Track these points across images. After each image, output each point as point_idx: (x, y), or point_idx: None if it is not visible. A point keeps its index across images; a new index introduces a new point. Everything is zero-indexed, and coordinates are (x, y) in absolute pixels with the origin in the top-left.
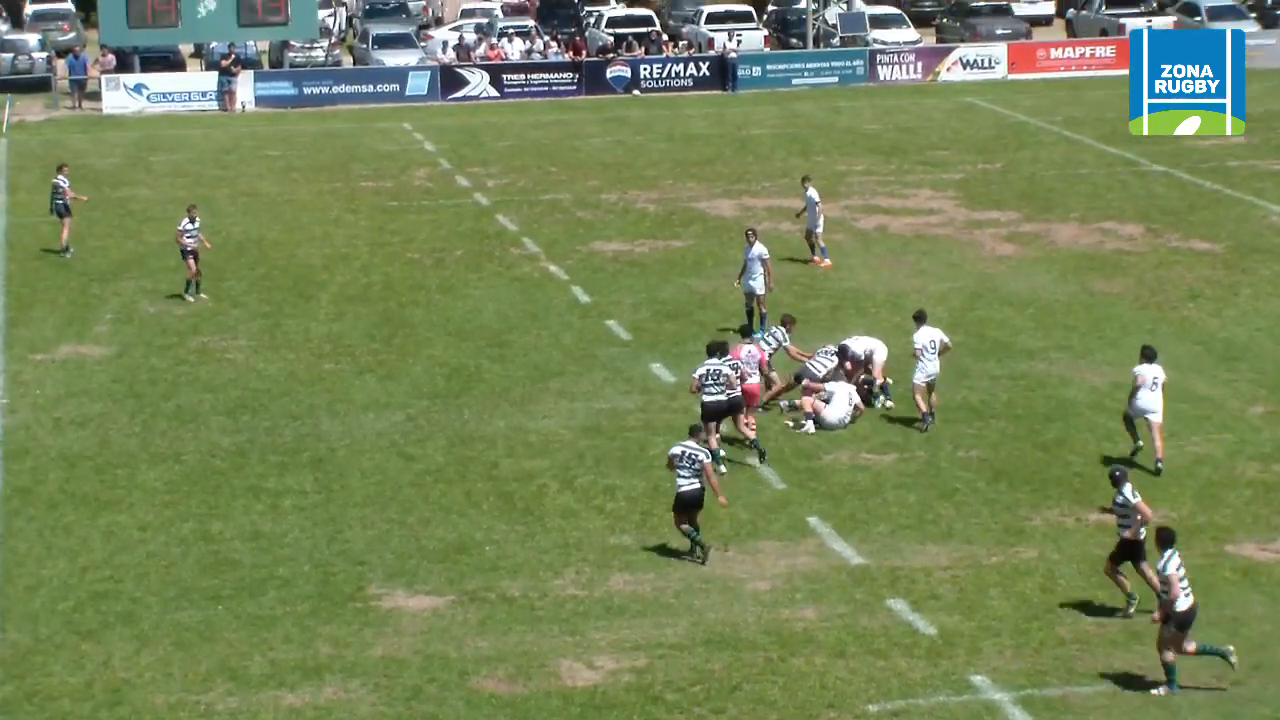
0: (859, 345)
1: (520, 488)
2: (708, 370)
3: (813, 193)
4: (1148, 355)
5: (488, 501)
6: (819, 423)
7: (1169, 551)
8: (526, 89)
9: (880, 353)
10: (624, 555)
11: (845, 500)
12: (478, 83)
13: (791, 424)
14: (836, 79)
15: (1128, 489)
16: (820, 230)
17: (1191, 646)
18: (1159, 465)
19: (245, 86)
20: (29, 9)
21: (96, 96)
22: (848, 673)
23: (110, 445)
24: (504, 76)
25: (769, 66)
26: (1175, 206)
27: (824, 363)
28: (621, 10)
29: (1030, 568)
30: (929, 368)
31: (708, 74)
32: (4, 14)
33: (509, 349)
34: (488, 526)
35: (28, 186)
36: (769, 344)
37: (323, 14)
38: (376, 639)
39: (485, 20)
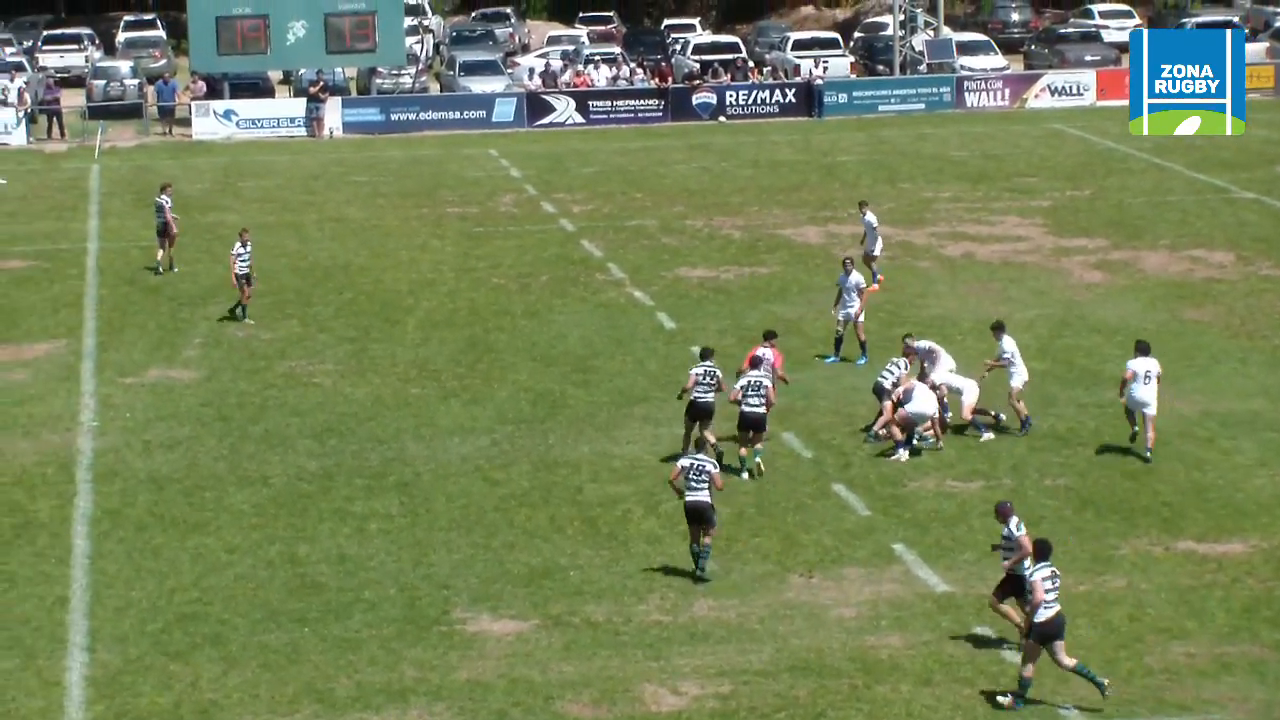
0: (943, 375)
1: (604, 513)
2: (750, 382)
3: (871, 217)
4: (1141, 349)
5: (572, 526)
6: (909, 418)
7: (1042, 563)
8: (612, 115)
9: (970, 394)
10: (708, 581)
11: (931, 527)
12: (564, 109)
13: (884, 454)
14: (923, 105)
15: (1013, 522)
16: (877, 254)
17: (1070, 662)
18: (1148, 456)
19: (333, 113)
20: (121, 36)
21: (186, 122)
22: (934, 701)
23: (198, 468)
24: (590, 103)
25: (855, 93)
26: (1267, 234)
27: (891, 371)
28: (708, 37)
29: (1118, 597)
30: (1024, 373)
31: (794, 100)
32: (97, 41)
33: (594, 374)
34: (572, 551)
35: (118, 212)
36: (889, 374)
37: (410, 41)
38: (461, 662)
39: (571, 47)
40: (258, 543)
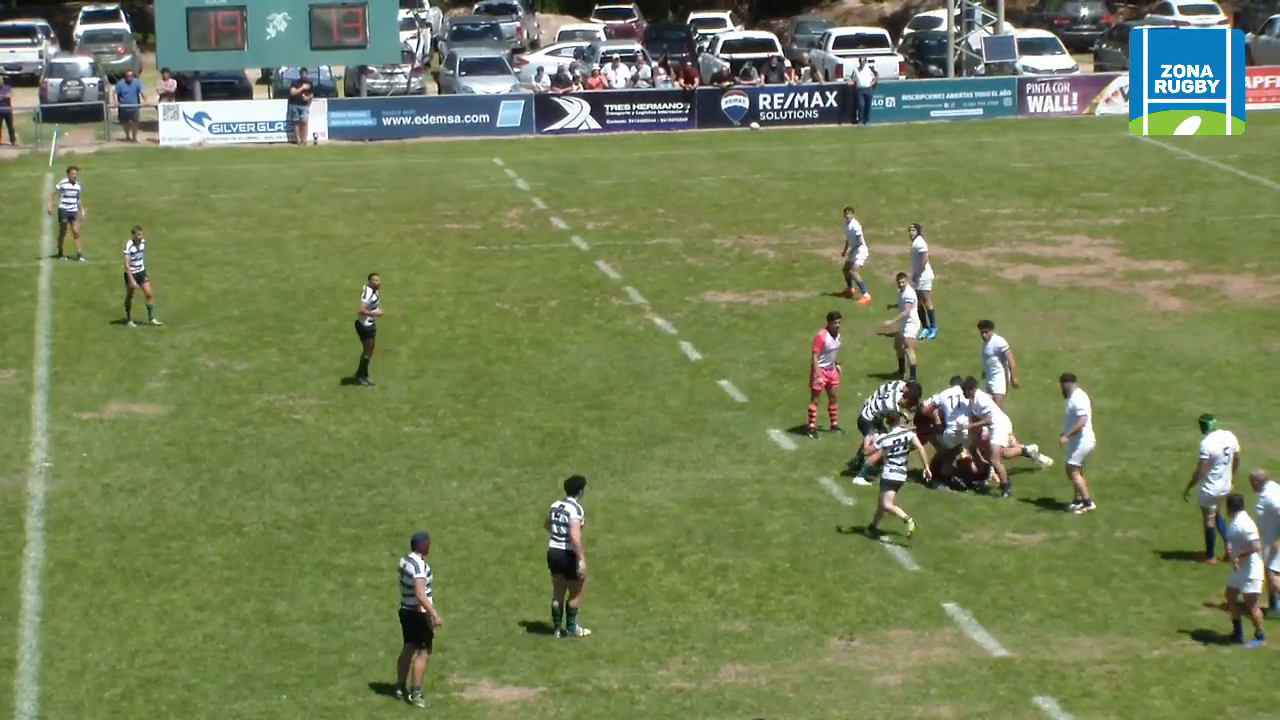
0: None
1: (621, 567)
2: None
3: (855, 225)
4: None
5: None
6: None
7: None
8: (632, 121)
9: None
10: (737, 643)
11: (987, 585)
12: (577, 113)
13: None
14: (981, 111)
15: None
16: (860, 264)
17: (573, 604)
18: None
19: (318, 116)
20: (79, 29)
21: (153, 126)
22: None
23: (164, 515)
24: (606, 107)
25: (905, 96)
26: None
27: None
28: (739, 33)
29: (1197, 663)
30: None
31: (835, 105)
32: (52, 35)
33: (609, 411)
34: (584, 610)
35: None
36: (872, 406)
37: (405, 36)
38: None
39: (586, 44)
40: (230, 599)
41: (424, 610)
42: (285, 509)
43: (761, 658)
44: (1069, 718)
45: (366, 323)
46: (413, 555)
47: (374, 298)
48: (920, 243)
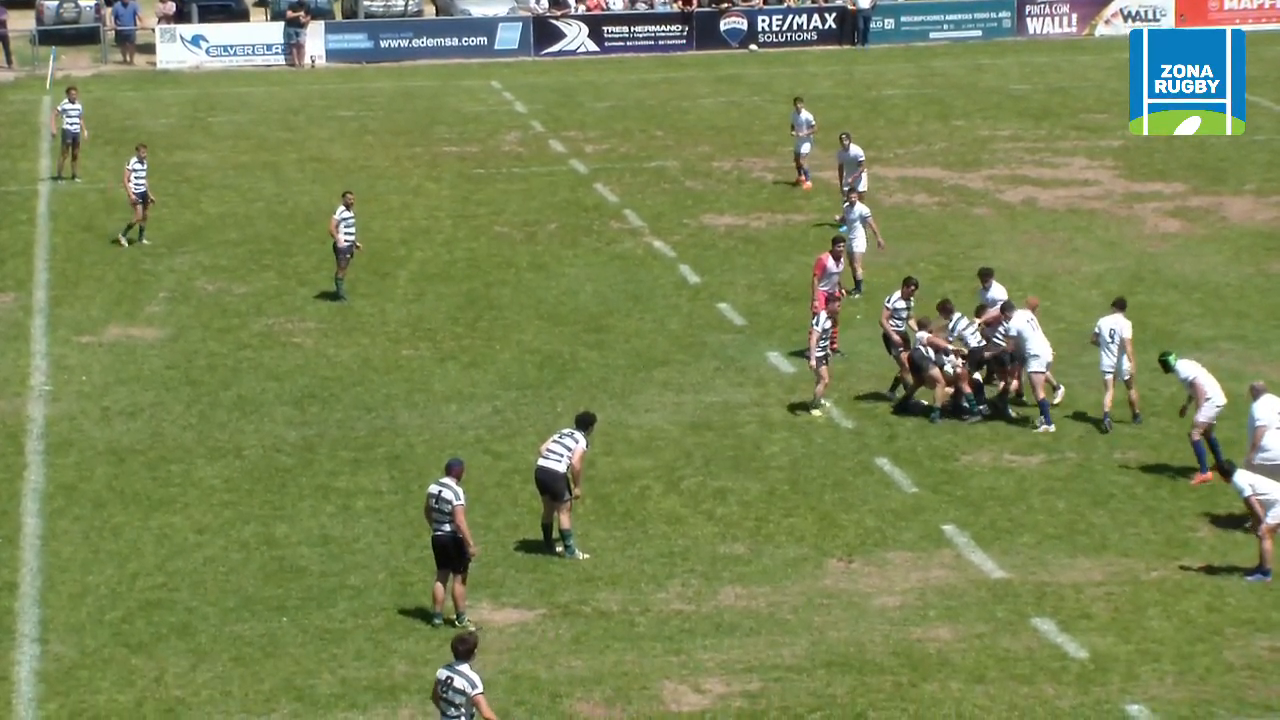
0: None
1: (620, 490)
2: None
3: (806, 115)
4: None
5: (583, 505)
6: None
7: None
8: (630, 43)
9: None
10: (736, 566)
11: (985, 507)
12: (575, 35)
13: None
14: (980, 32)
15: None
16: (806, 153)
17: (564, 523)
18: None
19: (315, 39)
20: None
21: (150, 49)
22: (987, 700)
23: (164, 438)
24: (605, 29)
25: (903, 18)
26: None
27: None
28: None
29: (1195, 584)
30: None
31: (834, 27)
32: None
33: (608, 334)
34: (583, 533)
35: None
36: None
37: None
38: None
39: None
40: (230, 522)
41: (463, 538)
42: (284, 432)
43: (760, 580)
44: (1067, 639)
45: (341, 241)
46: (447, 480)
47: (345, 214)
48: (856, 150)
